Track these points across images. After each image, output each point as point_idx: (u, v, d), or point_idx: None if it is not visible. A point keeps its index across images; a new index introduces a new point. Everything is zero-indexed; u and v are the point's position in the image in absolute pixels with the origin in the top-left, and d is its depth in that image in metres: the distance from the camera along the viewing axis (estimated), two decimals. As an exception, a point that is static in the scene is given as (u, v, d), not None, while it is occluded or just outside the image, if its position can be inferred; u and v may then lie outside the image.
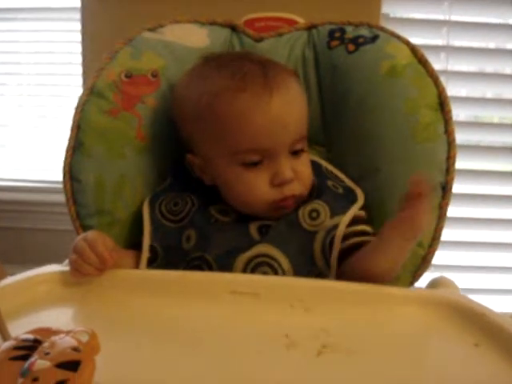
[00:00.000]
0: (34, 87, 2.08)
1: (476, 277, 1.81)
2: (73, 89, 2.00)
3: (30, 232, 2.05)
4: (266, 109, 0.81)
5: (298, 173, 0.84)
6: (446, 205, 0.89)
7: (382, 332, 0.64)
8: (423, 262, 0.89)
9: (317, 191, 0.88)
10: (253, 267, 0.80)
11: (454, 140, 0.90)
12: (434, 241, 0.89)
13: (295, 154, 0.85)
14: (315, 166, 0.92)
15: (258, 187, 0.83)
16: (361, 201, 0.89)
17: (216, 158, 0.85)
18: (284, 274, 0.80)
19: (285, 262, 0.81)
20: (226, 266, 0.80)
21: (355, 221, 0.86)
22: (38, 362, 0.44)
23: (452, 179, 0.89)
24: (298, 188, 0.84)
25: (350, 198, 0.89)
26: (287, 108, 0.82)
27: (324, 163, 0.95)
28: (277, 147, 0.82)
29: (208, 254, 0.82)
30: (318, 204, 0.85)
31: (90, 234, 0.77)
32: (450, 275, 0.88)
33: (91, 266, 0.72)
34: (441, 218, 0.89)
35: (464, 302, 0.68)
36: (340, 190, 0.89)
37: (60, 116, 2.05)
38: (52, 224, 1.99)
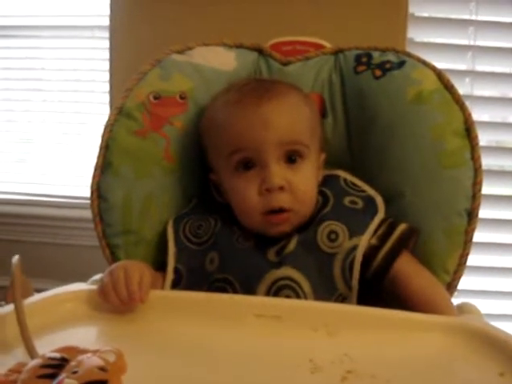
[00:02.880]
0: (58, 104, 2.10)
1: (500, 303, 1.79)
2: (96, 106, 2.00)
3: (51, 247, 2.06)
4: (252, 111, 0.83)
5: (292, 184, 0.83)
6: (472, 231, 0.89)
7: (405, 358, 0.64)
8: (448, 288, 0.89)
9: (333, 211, 0.87)
10: (275, 290, 0.80)
11: (480, 166, 0.90)
12: (460, 267, 0.89)
13: (291, 162, 0.84)
14: (332, 182, 0.92)
15: (247, 195, 0.83)
16: (381, 212, 0.88)
17: (219, 168, 0.88)
18: (305, 296, 0.80)
19: (306, 285, 0.80)
20: (249, 289, 0.80)
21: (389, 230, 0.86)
22: (66, 381, 0.45)
23: (478, 205, 0.89)
24: (289, 201, 0.83)
25: (371, 210, 0.88)
26: (274, 111, 0.84)
27: (343, 174, 0.95)
28: (262, 146, 0.82)
29: (232, 276, 0.82)
30: (335, 225, 0.84)
31: (132, 266, 0.77)
32: (473, 301, 0.88)
33: (118, 298, 0.72)
34: (466, 245, 0.89)
35: (489, 330, 0.66)
36: (359, 205, 0.89)
37: (83, 132, 2.07)
38: (73, 239, 2.00)
